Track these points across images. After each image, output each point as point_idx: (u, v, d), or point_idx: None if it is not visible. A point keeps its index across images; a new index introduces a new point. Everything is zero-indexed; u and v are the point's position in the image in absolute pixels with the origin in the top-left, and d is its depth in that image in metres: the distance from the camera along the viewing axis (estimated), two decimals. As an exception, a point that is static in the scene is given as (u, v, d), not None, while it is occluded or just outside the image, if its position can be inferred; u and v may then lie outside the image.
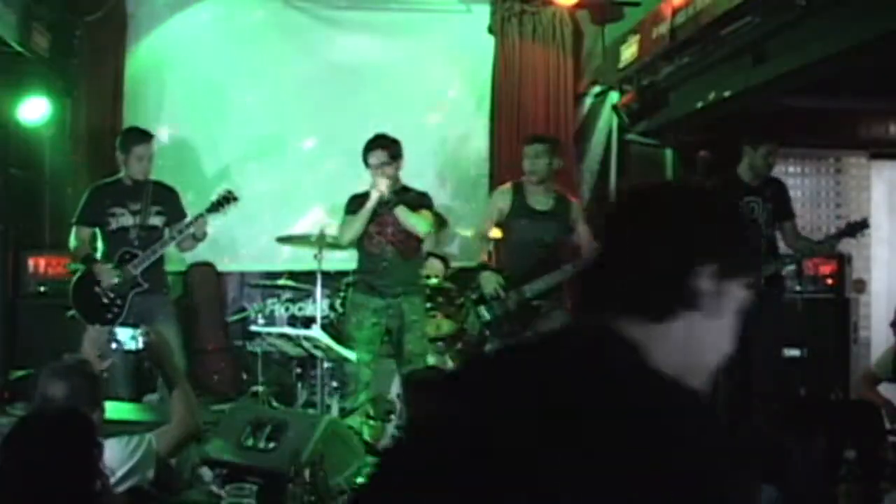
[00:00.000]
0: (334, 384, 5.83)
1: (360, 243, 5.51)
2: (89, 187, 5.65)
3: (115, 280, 5.26)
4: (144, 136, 5.48)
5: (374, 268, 5.46)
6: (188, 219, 5.41)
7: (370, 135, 5.57)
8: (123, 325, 3.63)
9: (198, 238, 5.46)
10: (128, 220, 5.38)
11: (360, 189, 5.55)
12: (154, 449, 3.10)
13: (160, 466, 3.12)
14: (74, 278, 5.42)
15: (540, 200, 5.41)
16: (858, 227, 5.42)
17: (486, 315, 5.34)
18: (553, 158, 5.50)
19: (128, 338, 3.48)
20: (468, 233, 6.86)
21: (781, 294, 5.62)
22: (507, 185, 5.58)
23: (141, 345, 3.45)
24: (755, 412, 5.29)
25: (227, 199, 5.46)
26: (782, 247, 5.69)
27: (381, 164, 5.38)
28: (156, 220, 5.44)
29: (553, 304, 5.34)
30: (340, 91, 7.36)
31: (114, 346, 3.45)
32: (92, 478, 2.48)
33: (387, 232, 5.44)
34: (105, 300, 5.28)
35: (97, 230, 5.44)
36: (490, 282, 5.30)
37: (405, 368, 5.49)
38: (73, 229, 5.50)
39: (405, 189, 5.53)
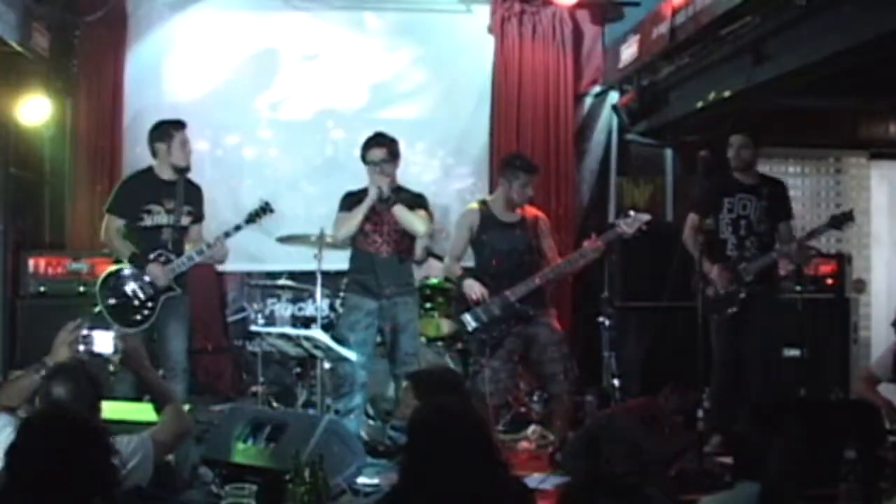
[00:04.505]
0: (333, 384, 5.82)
1: (354, 242, 5.51)
2: (124, 178, 5.54)
3: (166, 281, 5.18)
4: (181, 122, 5.39)
5: (367, 267, 5.46)
6: (211, 240, 5.29)
7: (369, 134, 5.58)
8: (95, 327, 3.55)
9: (217, 259, 5.44)
10: (163, 218, 5.26)
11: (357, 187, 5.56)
12: (152, 448, 3.11)
13: (160, 466, 3.12)
14: (103, 275, 5.26)
15: (506, 214, 5.46)
16: (843, 220, 5.41)
17: (472, 323, 5.33)
18: None
19: (102, 342, 3.43)
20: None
21: (775, 291, 5.61)
22: (474, 204, 5.64)
23: (113, 349, 3.41)
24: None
25: (263, 210, 5.39)
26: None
27: (380, 162, 5.39)
28: (186, 221, 5.33)
29: (538, 309, 5.35)
30: (340, 90, 7.37)
31: (81, 347, 3.39)
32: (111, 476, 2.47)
33: (383, 231, 5.45)
34: (136, 302, 5.18)
35: (124, 224, 5.28)
36: (473, 288, 5.32)
37: (399, 369, 5.49)
38: (106, 218, 5.32)
39: (400, 189, 5.54)
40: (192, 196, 5.40)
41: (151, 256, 5.20)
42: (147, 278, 5.17)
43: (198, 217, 5.43)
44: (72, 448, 2.37)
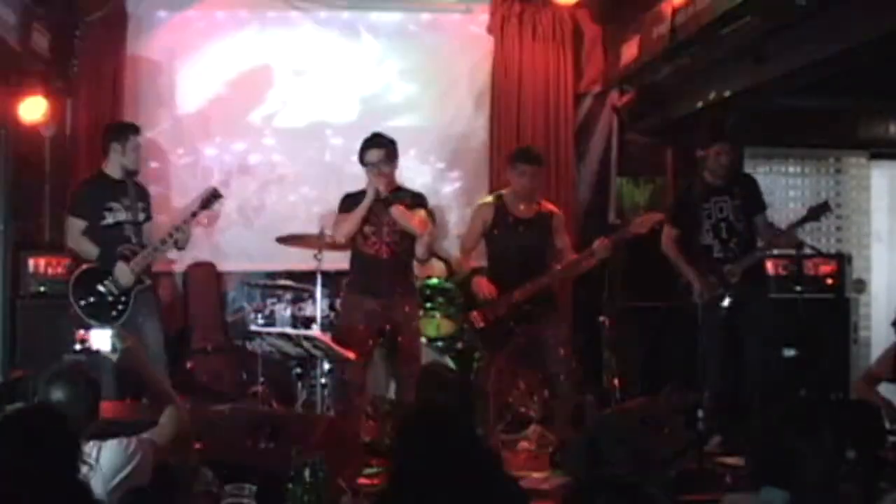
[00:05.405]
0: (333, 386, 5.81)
1: (354, 243, 5.51)
2: (80, 182, 5.67)
3: (131, 279, 5.27)
4: (136, 127, 5.62)
5: (367, 268, 5.46)
6: (175, 225, 5.51)
7: (368, 134, 5.58)
8: (91, 326, 3.56)
9: (180, 246, 5.58)
10: (122, 215, 5.44)
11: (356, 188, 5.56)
12: (151, 450, 3.10)
13: (159, 467, 3.12)
14: (75, 275, 5.39)
15: (521, 210, 5.46)
16: (821, 211, 5.42)
17: (479, 321, 5.34)
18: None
19: (103, 340, 3.42)
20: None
21: (766, 289, 5.61)
22: (489, 198, 5.65)
23: (112, 348, 3.40)
24: (751, 413, 5.30)
25: (214, 196, 5.60)
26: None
27: (378, 162, 5.39)
28: (141, 217, 5.53)
29: (545, 307, 5.35)
30: (339, 90, 7.36)
31: (77, 346, 3.39)
32: (71, 477, 2.47)
33: (382, 232, 5.44)
34: (110, 298, 5.28)
35: (87, 225, 5.43)
36: (481, 286, 5.33)
37: (400, 369, 5.49)
38: (69, 221, 5.49)
39: (400, 189, 5.54)
40: (142, 195, 5.63)
41: (118, 253, 5.36)
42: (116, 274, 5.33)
43: (148, 216, 5.62)
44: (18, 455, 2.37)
